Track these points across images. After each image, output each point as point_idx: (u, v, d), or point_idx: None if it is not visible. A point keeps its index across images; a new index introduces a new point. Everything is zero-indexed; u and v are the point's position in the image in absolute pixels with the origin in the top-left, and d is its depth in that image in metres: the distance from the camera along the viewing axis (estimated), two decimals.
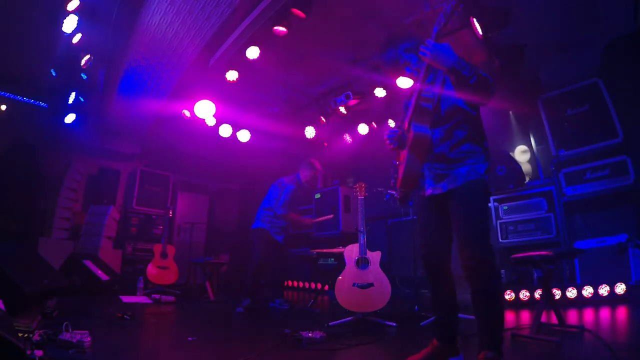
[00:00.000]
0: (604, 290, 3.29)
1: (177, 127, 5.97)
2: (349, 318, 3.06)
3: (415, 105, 1.72)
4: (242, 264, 5.85)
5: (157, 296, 4.38)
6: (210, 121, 5.30)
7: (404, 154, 1.85)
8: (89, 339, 2.01)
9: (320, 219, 4.75)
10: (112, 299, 4.19)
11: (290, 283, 6.50)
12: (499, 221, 4.39)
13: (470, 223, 1.66)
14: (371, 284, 3.08)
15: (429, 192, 1.79)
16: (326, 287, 5.62)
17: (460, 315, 1.90)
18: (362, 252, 3.20)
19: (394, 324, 2.92)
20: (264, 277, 4.29)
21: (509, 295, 3.51)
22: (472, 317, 1.67)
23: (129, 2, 3.78)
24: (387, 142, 1.95)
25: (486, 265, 1.61)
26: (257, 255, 4.02)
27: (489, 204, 4.52)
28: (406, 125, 1.83)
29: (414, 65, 1.90)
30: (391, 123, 5.62)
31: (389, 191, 3.56)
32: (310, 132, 5.90)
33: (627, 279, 3.35)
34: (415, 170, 1.77)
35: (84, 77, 4.45)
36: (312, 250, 5.29)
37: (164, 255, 5.18)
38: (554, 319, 2.42)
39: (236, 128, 5.87)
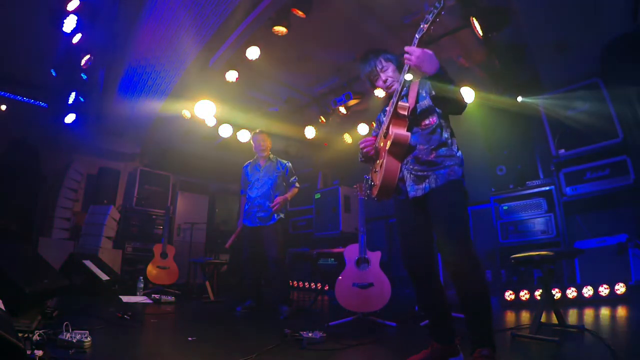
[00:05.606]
0: (604, 290, 3.30)
1: (177, 127, 5.98)
2: (349, 318, 3.05)
3: (393, 113, 1.80)
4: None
5: (157, 296, 4.38)
6: (210, 121, 5.31)
7: (379, 162, 1.91)
8: (89, 339, 2.01)
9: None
10: (112, 299, 4.18)
11: (290, 283, 6.49)
12: (499, 221, 4.39)
13: (452, 219, 1.69)
14: (371, 284, 3.09)
15: (412, 194, 1.81)
16: (326, 287, 5.62)
17: (458, 315, 1.90)
18: (362, 252, 3.20)
19: (394, 324, 2.91)
20: (261, 275, 4.15)
21: (509, 296, 3.51)
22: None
23: (129, 2, 3.78)
24: (364, 149, 1.99)
25: (469, 261, 1.63)
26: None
27: (491, 205, 4.54)
28: (384, 130, 1.89)
29: (390, 73, 1.96)
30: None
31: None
32: (310, 132, 5.90)
33: (627, 279, 3.35)
34: (394, 173, 1.82)
35: (84, 77, 4.45)
36: (312, 250, 5.28)
37: (164, 255, 5.18)
38: (554, 319, 2.42)
39: (236, 128, 5.88)
